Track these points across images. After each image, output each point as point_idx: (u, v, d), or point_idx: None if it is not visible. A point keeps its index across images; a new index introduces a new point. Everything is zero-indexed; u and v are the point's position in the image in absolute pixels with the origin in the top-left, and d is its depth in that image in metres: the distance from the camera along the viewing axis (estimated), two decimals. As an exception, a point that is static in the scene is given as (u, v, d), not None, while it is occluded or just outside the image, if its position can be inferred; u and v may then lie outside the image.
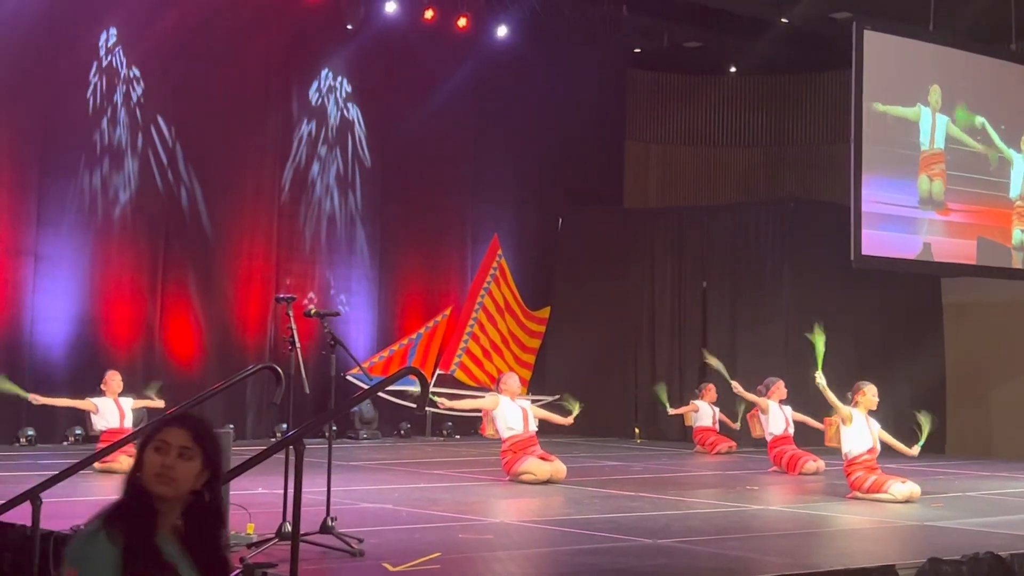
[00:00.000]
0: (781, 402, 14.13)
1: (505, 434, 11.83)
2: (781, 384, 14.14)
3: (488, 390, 18.22)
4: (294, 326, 7.52)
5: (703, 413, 16.47)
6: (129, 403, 12.73)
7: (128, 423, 12.48)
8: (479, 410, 12.27)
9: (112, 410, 12.56)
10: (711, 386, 16.57)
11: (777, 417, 13.97)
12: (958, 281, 18.50)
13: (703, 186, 21.64)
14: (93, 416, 12.57)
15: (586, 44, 19.39)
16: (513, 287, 18.90)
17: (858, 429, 10.98)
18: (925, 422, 11.30)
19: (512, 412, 11.81)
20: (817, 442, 13.92)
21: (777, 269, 18.03)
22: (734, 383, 14.47)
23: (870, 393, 11.05)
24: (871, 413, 11.15)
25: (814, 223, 18.04)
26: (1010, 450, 18.18)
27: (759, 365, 17.75)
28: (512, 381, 12.14)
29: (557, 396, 17.57)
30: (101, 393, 12.72)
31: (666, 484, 12.09)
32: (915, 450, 11.26)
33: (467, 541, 8.05)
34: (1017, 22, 17.19)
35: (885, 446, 11.21)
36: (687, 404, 16.89)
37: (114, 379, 12.81)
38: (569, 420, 12.47)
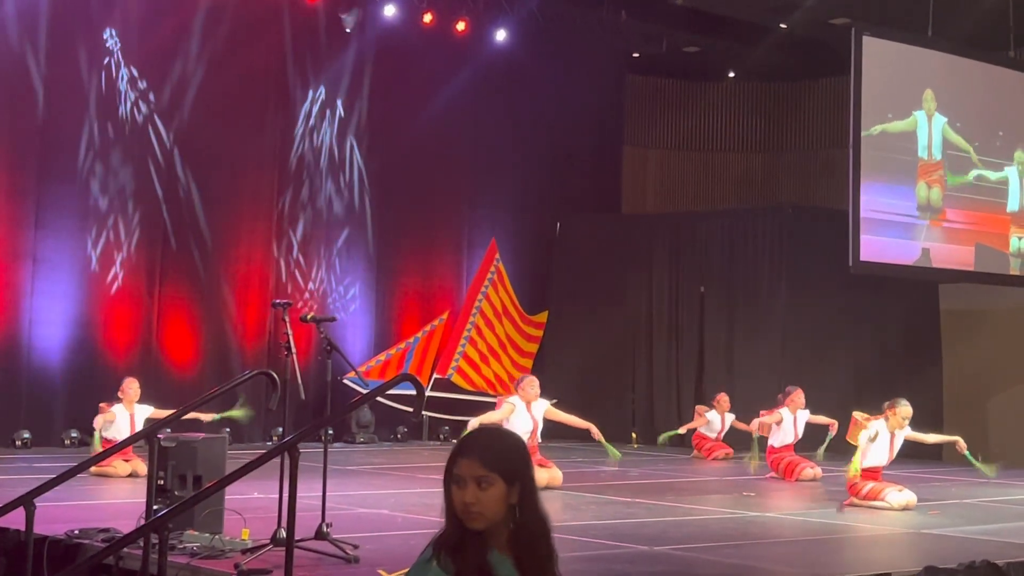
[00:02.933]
0: (798, 410, 13.96)
1: None
2: (800, 394, 13.94)
3: (485, 394, 18.29)
4: (290, 332, 7.51)
5: (712, 425, 16.34)
6: (146, 411, 12.37)
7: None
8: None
9: (125, 420, 12.23)
10: (724, 395, 16.44)
11: (787, 429, 13.85)
12: (956, 287, 18.49)
13: (701, 192, 21.64)
14: (105, 432, 12.28)
15: (585, 49, 19.38)
16: (511, 291, 18.88)
17: (880, 445, 10.95)
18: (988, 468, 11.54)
19: (522, 422, 11.62)
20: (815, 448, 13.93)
21: (775, 275, 18.01)
22: (754, 422, 14.38)
23: (901, 413, 10.90)
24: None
25: (812, 229, 18.02)
26: (1007, 458, 18.16)
27: (756, 370, 17.78)
28: (532, 388, 11.74)
29: (555, 400, 17.57)
30: (118, 400, 12.43)
31: (663, 490, 12.08)
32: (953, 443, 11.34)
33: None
34: (1016, 29, 17.19)
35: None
36: (696, 411, 16.69)
37: (132, 387, 12.47)
38: (595, 431, 11.76)
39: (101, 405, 12.49)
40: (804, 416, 13.94)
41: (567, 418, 11.94)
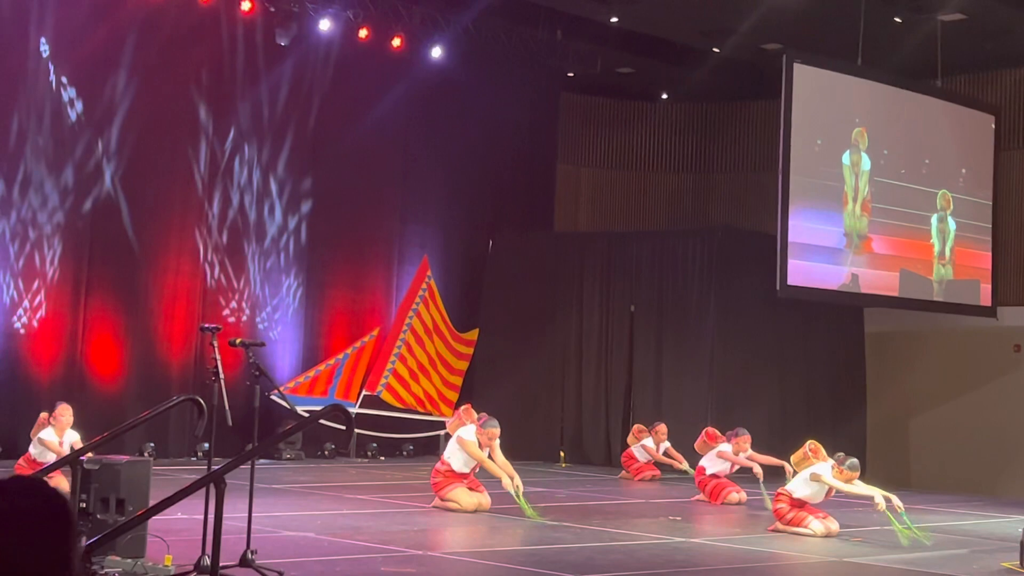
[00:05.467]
0: (740, 452, 13.99)
1: (454, 465, 11.73)
2: (748, 439, 13.90)
3: (415, 411, 18.23)
4: (218, 357, 7.43)
5: (646, 450, 16.35)
6: (73, 437, 11.70)
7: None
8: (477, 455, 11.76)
9: (54, 446, 11.58)
10: (663, 427, 16.43)
11: (725, 466, 13.90)
12: (880, 311, 18.77)
13: (633, 211, 21.78)
14: (33, 448, 11.89)
15: (520, 67, 19.43)
16: (442, 309, 18.86)
17: (820, 489, 11.04)
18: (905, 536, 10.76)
19: (468, 458, 11.73)
20: (744, 475, 14.01)
21: (704, 295, 18.15)
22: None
23: (847, 475, 10.84)
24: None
25: (741, 251, 18.20)
26: (928, 480, 18.45)
27: (684, 389, 17.90)
28: (494, 432, 11.74)
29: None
30: (50, 424, 11.81)
31: (590, 513, 12.10)
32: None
33: (388, 575, 8.01)
34: (943, 59, 17.51)
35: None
36: (635, 429, 16.70)
37: (65, 414, 11.81)
38: (506, 484, 11.40)
39: (42, 416, 12.12)
40: (744, 455, 13.95)
41: (499, 461, 11.74)
